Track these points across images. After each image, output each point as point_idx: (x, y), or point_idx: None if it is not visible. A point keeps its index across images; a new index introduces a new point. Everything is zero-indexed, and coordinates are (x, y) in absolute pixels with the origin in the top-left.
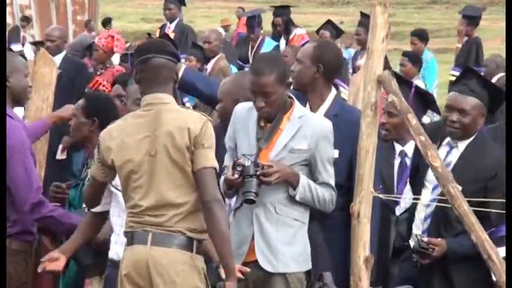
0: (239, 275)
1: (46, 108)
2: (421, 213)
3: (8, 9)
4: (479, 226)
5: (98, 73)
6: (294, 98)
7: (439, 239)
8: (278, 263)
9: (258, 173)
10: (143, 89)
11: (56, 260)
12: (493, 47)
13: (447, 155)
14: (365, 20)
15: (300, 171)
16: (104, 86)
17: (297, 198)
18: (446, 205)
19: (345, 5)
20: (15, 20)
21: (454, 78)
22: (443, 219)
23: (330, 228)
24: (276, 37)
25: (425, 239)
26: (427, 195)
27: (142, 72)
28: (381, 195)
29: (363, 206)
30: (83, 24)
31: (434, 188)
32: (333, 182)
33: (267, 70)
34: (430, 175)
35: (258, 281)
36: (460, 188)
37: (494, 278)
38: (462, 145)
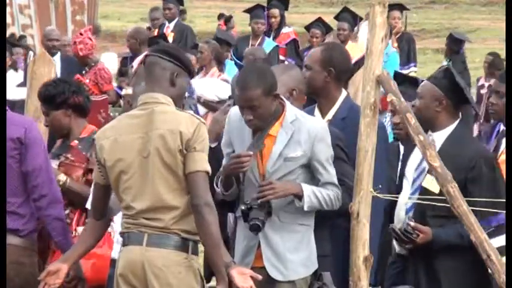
0: (250, 279)
1: None
2: (401, 211)
3: (7, 9)
4: (478, 226)
5: (83, 72)
6: (284, 100)
7: (426, 227)
8: (288, 271)
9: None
10: (144, 89)
11: (55, 273)
12: (492, 47)
13: None
14: (347, 15)
15: (300, 172)
16: (85, 84)
17: (305, 208)
18: (426, 202)
19: (344, 5)
20: (14, 20)
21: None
22: (418, 216)
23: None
24: (268, 33)
25: (412, 223)
26: (407, 187)
27: (143, 71)
28: (380, 195)
29: (362, 206)
30: (82, 24)
31: (414, 181)
32: (335, 180)
33: (253, 84)
34: (410, 166)
35: (264, 284)
36: None
37: (491, 272)
38: (439, 139)
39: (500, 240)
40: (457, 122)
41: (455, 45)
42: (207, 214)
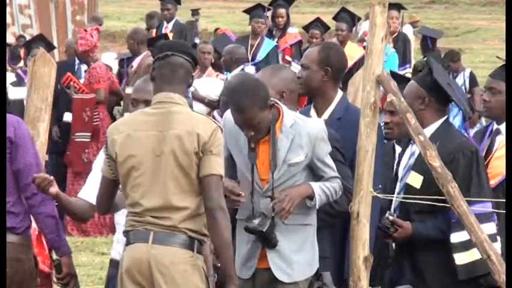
0: None
1: (45, 109)
2: (392, 207)
3: (7, 9)
4: (478, 226)
5: (84, 71)
6: (280, 104)
7: (406, 222)
8: (294, 272)
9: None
10: (157, 86)
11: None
12: (492, 47)
13: (411, 145)
14: (346, 15)
15: (301, 174)
16: (74, 82)
17: (317, 206)
18: (409, 201)
19: (344, 5)
20: (14, 20)
21: None
22: (404, 213)
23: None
24: (271, 32)
25: (391, 217)
26: (398, 186)
27: (160, 68)
28: (380, 195)
29: (362, 206)
30: (82, 24)
31: (401, 179)
32: (336, 172)
33: (248, 105)
34: (401, 165)
35: (266, 284)
36: (421, 177)
37: (456, 262)
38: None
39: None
40: (443, 119)
41: (427, 43)
42: (220, 217)
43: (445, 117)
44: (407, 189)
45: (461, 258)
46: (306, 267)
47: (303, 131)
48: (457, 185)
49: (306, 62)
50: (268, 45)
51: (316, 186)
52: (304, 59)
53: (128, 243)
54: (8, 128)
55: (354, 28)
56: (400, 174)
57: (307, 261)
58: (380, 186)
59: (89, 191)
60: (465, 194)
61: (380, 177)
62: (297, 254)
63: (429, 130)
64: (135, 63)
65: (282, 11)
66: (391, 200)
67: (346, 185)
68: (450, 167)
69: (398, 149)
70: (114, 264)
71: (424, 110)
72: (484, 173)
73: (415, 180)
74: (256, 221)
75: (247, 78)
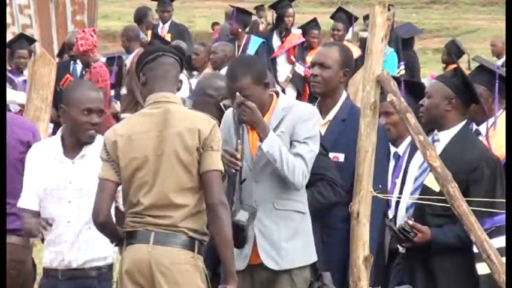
0: None
1: (45, 108)
2: (403, 209)
3: (7, 9)
4: (478, 226)
5: (84, 72)
6: (278, 91)
7: (425, 227)
8: (283, 260)
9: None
10: (149, 88)
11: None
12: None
13: None
14: (342, 14)
15: None
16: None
17: (264, 148)
18: (424, 202)
19: (344, 5)
20: (14, 20)
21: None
22: (418, 214)
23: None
24: (278, 31)
25: (411, 222)
26: (409, 185)
27: (151, 70)
28: (380, 195)
29: (362, 206)
30: (82, 24)
31: (416, 179)
32: (307, 157)
33: (241, 74)
34: (413, 164)
35: (264, 282)
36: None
37: (479, 272)
38: (444, 138)
39: (495, 243)
40: (464, 122)
41: (405, 42)
42: (222, 213)
43: (466, 120)
44: (424, 190)
45: (484, 268)
46: (295, 256)
47: (293, 111)
48: (456, 185)
49: (328, 62)
50: (255, 42)
51: (275, 136)
52: (325, 58)
53: (128, 244)
54: (28, 133)
55: (351, 28)
56: (414, 174)
57: (296, 250)
58: (380, 186)
59: (29, 199)
60: (490, 205)
61: (380, 177)
62: (287, 241)
63: (451, 132)
64: (128, 61)
65: (291, 10)
66: (388, 200)
67: (329, 176)
68: (472, 175)
69: (392, 149)
70: (45, 272)
71: (449, 111)
72: (505, 184)
73: (435, 182)
74: (243, 215)
75: (246, 54)
